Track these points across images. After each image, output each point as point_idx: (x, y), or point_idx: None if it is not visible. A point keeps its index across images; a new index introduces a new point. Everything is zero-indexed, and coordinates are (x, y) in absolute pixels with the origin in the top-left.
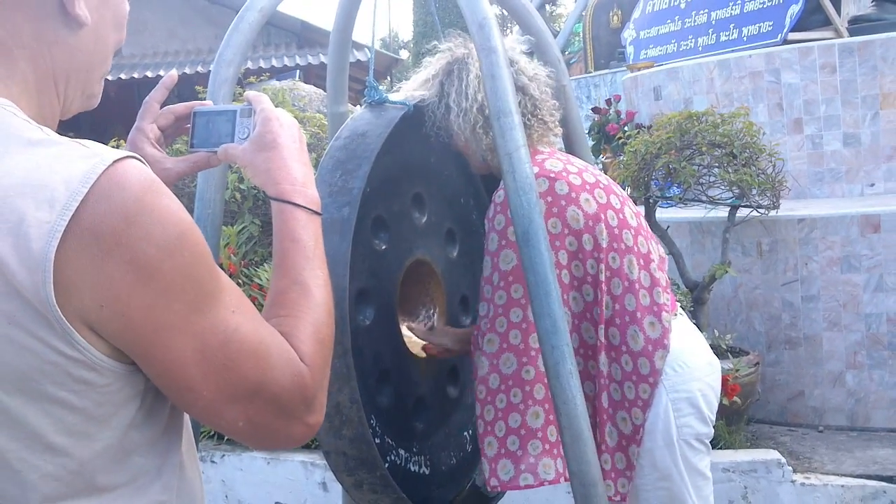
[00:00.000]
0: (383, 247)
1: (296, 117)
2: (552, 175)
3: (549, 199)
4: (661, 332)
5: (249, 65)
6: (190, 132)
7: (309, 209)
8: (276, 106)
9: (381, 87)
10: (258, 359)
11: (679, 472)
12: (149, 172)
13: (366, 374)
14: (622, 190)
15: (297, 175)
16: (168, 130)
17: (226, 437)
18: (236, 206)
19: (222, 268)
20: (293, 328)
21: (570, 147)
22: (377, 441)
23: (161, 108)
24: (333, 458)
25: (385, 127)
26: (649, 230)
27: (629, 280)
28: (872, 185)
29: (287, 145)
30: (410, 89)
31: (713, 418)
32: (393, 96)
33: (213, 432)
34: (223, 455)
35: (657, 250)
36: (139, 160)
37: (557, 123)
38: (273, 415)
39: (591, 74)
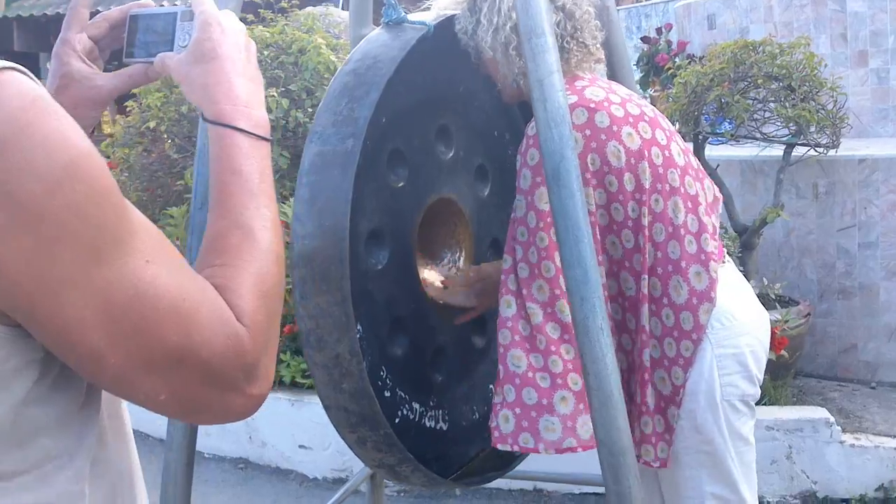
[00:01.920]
0: (401, 184)
1: (328, 44)
2: (592, 105)
3: (588, 132)
4: (708, 283)
5: None
6: (125, 40)
7: (254, 134)
8: (306, 32)
9: (401, 5)
10: (181, 318)
11: (722, 437)
12: (32, 87)
13: (377, 322)
14: (669, 124)
15: (239, 93)
16: (103, 41)
17: None
18: None
19: None
20: (230, 280)
21: (614, 74)
22: (387, 395)
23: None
24: (334, 413)
25: (400, 50)
26: (700, 168)
27: (674, 225)
28: None
29: (229, 56)
30: (441, 6)
31: (761, 377)
32: (418, 16)
33: None
34: None
35: (708, 191)
36: (23, 73)
37: (599, 47)
38: (203, 385)
39: (641, 4)
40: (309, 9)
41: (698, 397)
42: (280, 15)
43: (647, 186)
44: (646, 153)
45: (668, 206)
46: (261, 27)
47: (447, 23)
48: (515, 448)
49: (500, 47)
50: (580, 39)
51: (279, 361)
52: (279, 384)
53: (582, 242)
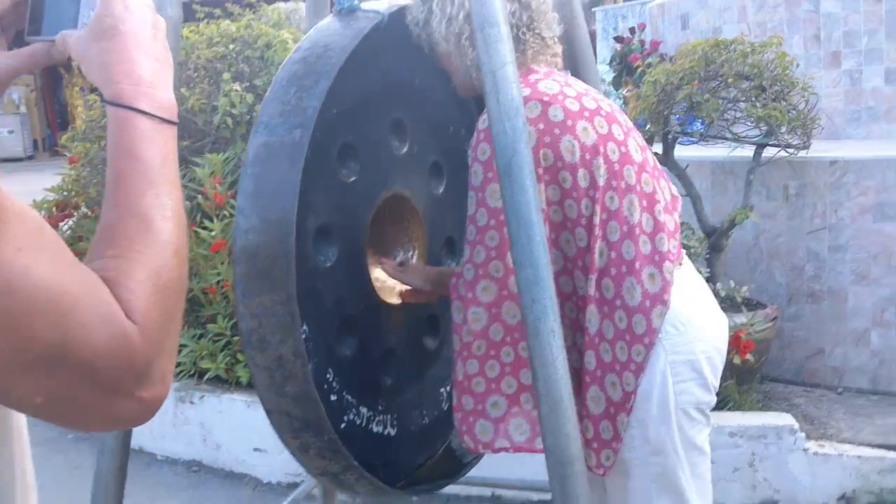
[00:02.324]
0: (352, 178)
1: (296, 40)
2: (546, 98)
3: (541, 126)
4: (662, 285)
5: None
6: (27, 17)
7: (156, 116)
8: (273, 26)
9: None
10: (59, 314)
11: (674, 446)
12: None
13: (324, 322)
14: (627, 119)
15: (142, 72)
16: (6, 19)
17: (206, 376)
18: (229, 133)
19: (206, 199)
20: (122, 273)
21: (576, 69)
22: (333, 398)
23: None
24: (276, 418)
25: (352, 38)
26: (658, 166)
27: (629, 224)
28: None
29: (133, 32)
30: None
31: (717, 385)
32: (372, 4)
33: (192, 370)
34: (202, 396)
35: (666, 190)
36: None
37: (556, 40)
38: (85, 388)
39: (618, 5)
40: (277, 4)
41: (650, 405)
42: (247, 10)
43: (602, 183)
44: (601, 149)
45: (624, 203)
46: (227, 21)
47: (402, 12)
48: (466, 449)
49: (454, 38)
50: (536, 31)
51: (235, 362)
52: (235, 385)
53: (534, 241)
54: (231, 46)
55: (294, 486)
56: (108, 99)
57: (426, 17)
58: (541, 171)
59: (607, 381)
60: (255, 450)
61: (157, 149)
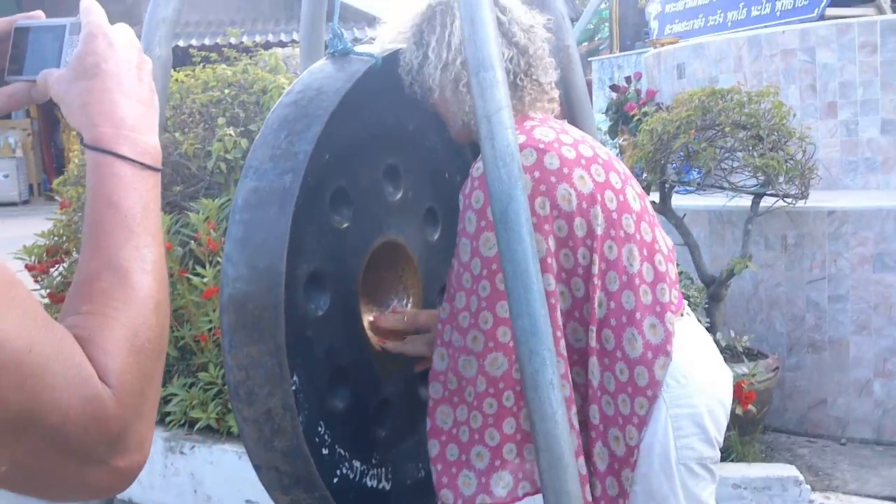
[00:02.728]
0: (345, 225)
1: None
2: (541, 146)
3: (537, 174)
4: (664, 336)
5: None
6: (9, 55)
7: (138, 162)
8: (269, 71)
9: (347, 36)
10: (25, 373)
11: (677, 502)
12: None
13: (316, 372)
14: (625, 167)
15: (124, 114)
16: None
17: (196, 426)
18: (223, 178)
19: (199, 245)
20: (96, 332)
21: (573, 115)
22: (325, 452)
23: None
24: (265, 474)
25: (345, 82)
26: (654, 216)
27: (628, 274)
28: None
29: (115, 73)
30: (387, 39)
31: (720, 440)
32: (364, 48)
33: (182, 420)
34: (193, 446)
35: (664, 239)
36: None
37: (553, 86)
38: (55, 456)
39: (614, 55)
40: (274, 49)
41: (652, 459)
42: (244, 55)
43: (600, 233)
44: (598, 197)
45: (623, 253)
46: (223, 66)
47: (396, 56)
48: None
49: (450, 84)
50: (534, 77)
51: (227, 411)
52: (227, 435)
53: (531, 291)
54: (226, 91)
55: None
56: (87, 143)
57: (420, 63)
58: (536, 219)
59: (610, 436)
60: (247, 501)
61: (138, 197)
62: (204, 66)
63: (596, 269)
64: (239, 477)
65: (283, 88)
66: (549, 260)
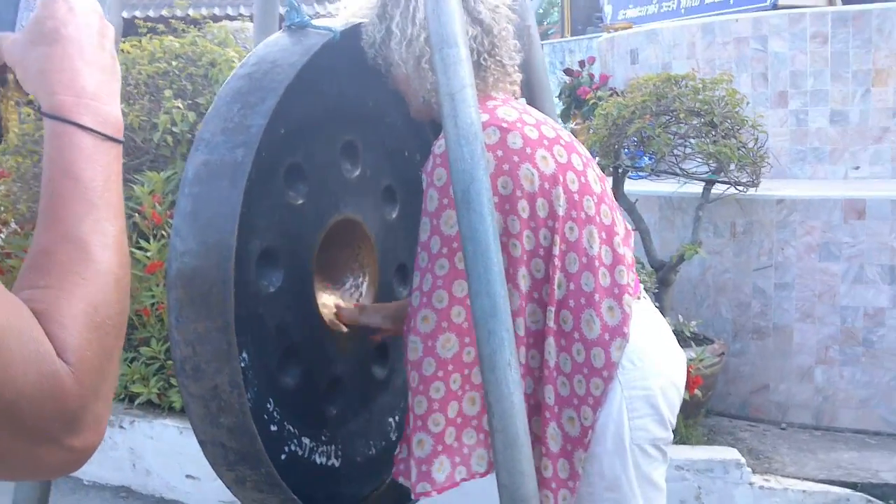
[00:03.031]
0: (300, 201)
1: (242, 57)
2: (505, 125)
3: (500, 153)
4: (621, 318)
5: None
6: None
7: (99, 133)
8: (218, 44)
9: (305, 9)
10: None
11: (629, 483)
12: None
13: (266, 349)
14: (586, 150)
15: (85, 83)
16: None
17: (136, 401)
18: (168, 152)
19: (143, 218)
20: (54, 306)
21: (532, 97)
22: (273, 429)
23: None
24: (210, 450)
25: (302, 55)
26: (614, 199)
27: (588, 256)
28: (857, 167)
29: (76, 39)
30: (350, 13)
31: (673, 421)
32: (322, 21)
33: (122, 394)
34: (133, 421)
35: (622, 222)
36: None
37: (517, 68)
38: (7, 434)
39: (565, 39)
40: (224, 22)
41: (606, 440)
42: (192, 27)
43: (562, 214)
44: (561, 178)
45: (584, 235)
46: (170, 37)
47: (356, 30)
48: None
49: (413, 61)
50: (497, 57)
51: (169, 386)
52: (169, 410)
53: (492, 271)
54: (174, 63)
55: None
56: (46, 111)
57: (384, 38)
58: (498, 199)
59: (564, 417)
60: (188, 476)
61: (100, 169)
62: (150, 37)
63: (557, 251)
64: (180, 452)
65: (233, 62)
66: (509, 242)
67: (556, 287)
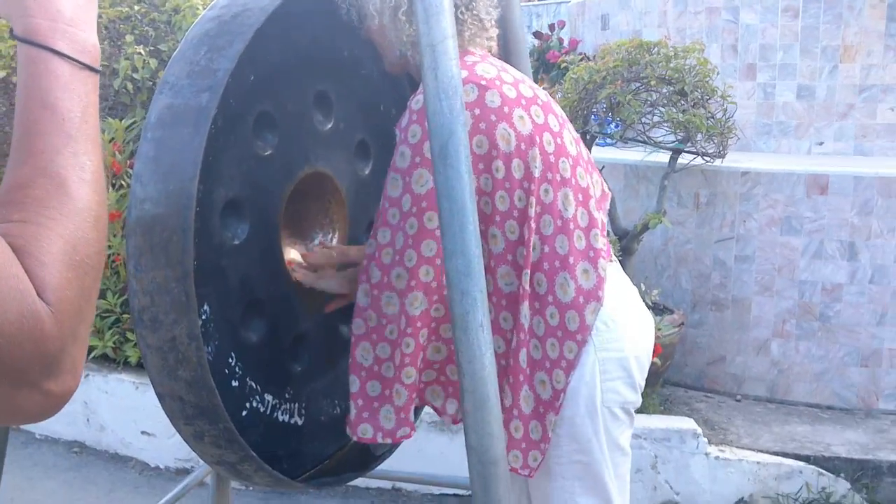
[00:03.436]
0: (268, 151)
1: (206, 6)
2: (483, 82)
3: (477, 111)
4: (596, 281)
5: None
6: None
7: (77, 61)
8: None
9: None
10: None
11: (599, 445)
12: None
13: (229, 302)
14: (562, 111)
15: (61, 6)
16: None
17: (91, 354)
18: (128, 98)
19: (105, 168)
20: (31, 242)
21: (507, 56)
22: (235, 384)
23: None
24: (168, 403)
25: None
26: (591, 160)
27: (563, 218)
28: (821, 143)
29: None
30: None
31: (643, 385)
32: None
33: None
34: (87, 374)
35: (597, 185)
36: None
37: (494, 24)
38: None
39: (533, 3)
40: None
41: (578, 402)
42: None
43: (537, 175)
44: (537, 139)
45: (559, 197)
46: None
47: None
48: (354, 438)
49: (389, 11)
50: (475, 11)
51: (124, 340)
52: (124, 364)
53: (467, 230)
54: (136, 7)
55: (184, 471)
56: (18, 35)
57: None
58: (472, 158)
59: (536, 380)
60: (143, 433)
61: (77, 99)
62: None
63: (532, 212)
64: (135, 407)
65: (197, 9)
66: (480, 201)
67: (531, 249)
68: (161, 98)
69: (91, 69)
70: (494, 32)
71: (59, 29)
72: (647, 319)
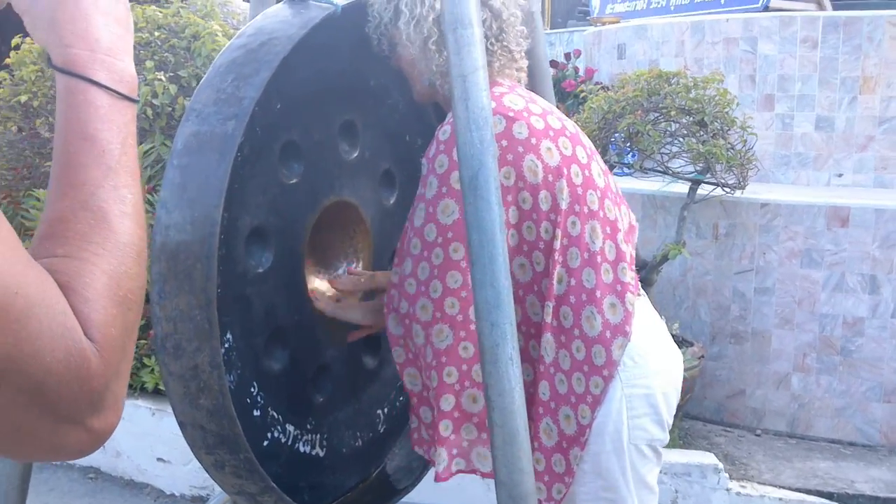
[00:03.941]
0: (294, 180)
1: (225, 33)
2: (511, 114)
3: (505, 142)
4: (624, 316)
5: None
6: None
7: (115, 91)
8: (203, 17)
9: None
10: (11, 320)
11: (626, 483)
12: None
13: (252, 331)
14: (590, 142)
15: (100, 35)
16: None
17: None
18: (147, 124)
19: None
20: (76, 279)
21: (532, 85)
22: (257, 414)
23: None
24: (189, 432)
25: (300, 28)
26: (619, 192)
27: (590, 251)
28: (840, 175)
29: None
30: None
31: (671, 422)
32: None
33: None
34: None
35: (625, 217)
36: None
37: (524, 55)
38: (30, 412)
39: (546, 32)
40: None
41: (604, 438)
42: None
43: (564, 207)
44: (565, 171)
45: (586, 229)
46: (153, 7)
47: (359, 6)
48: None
49: (420, 41)
50: (505, 43)
51: (141, 366)
52: (140, 390)
53: (497, 261)
54: (156, 34)
55: (199, 499)
56: (57, 65)
57: (392, 18)
58: (500, 190)
59: (561, 414)
60: (159, 459)
61: (117, 130)
62: (133, 6)
63: (558, 245)
64: (151, 434)
65: (217, 35)
66: (508, 233)
67: (555, 282)
68: (187, 125)
69: (129, 99)
70: (524, 63)
71: (97, 59)
72: (676, 355)
